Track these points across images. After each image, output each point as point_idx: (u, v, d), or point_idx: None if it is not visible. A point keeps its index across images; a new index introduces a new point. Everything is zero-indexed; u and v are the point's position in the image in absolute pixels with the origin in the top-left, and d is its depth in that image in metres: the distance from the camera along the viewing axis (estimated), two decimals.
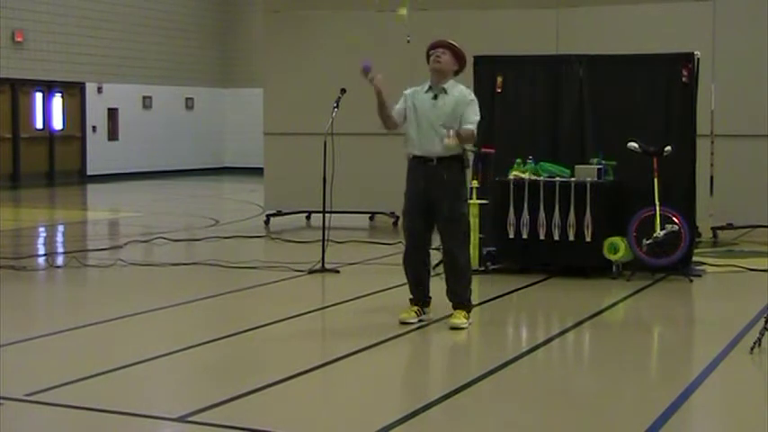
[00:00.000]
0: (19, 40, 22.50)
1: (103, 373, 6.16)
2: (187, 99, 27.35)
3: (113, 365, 6.32)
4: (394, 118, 7.61)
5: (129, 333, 7.54)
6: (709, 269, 10.28)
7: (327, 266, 9.94)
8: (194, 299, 8.75)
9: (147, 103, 26.09)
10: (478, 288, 8.89)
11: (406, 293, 7.78)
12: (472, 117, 7.50)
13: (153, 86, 26.09)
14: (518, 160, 10.02)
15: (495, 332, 7.83)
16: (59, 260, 11.01)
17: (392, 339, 7.21)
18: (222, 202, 20.78)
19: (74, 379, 6.00)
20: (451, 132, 7.37)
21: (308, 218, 14.53)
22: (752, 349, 6.66)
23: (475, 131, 7.54)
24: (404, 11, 7.60)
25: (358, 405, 5.75)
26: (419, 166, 7.56)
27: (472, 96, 7.63)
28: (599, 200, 9.70)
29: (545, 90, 10.41)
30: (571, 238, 9.72)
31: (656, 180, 9.57)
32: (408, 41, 13.15)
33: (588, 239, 9.69)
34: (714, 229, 12.59)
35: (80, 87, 24.38)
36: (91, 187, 23.13)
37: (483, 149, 9.89)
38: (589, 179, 9.73)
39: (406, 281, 7.76)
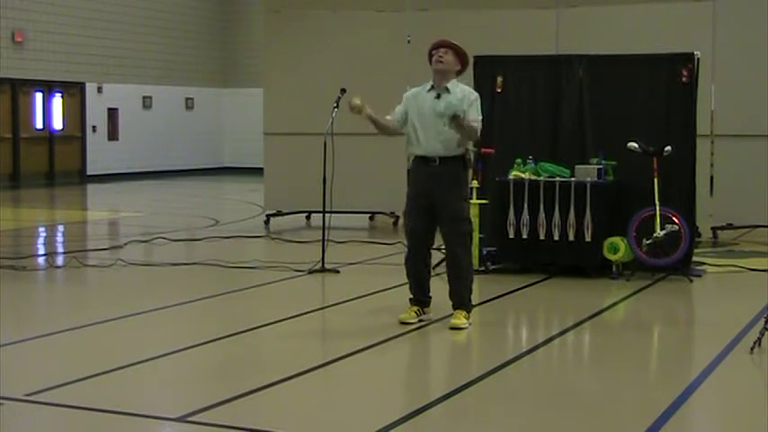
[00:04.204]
0: (19, 40, 22.50)
1: (103, 373, 6.16)
2: (187, 99, 27.36)
3: (113, 365, 6.32)
4: (393, 128, 7.62)
5: (129, 333, 7.54)
6: (710, 269, 10.28)
7: (327, 266, 9.94)
8: (194, 299, 8.75)
9: (147, 103, 26.09)
10: (478, 288, 8.88)
11: (406, 293, 7.78)
12: (476, 116, 7.50)
13: (153, 86, 26.10)
14: (518, 160, 10.02)
15: (495, 332, 7.83)
16: (59, 260, 11.00)
17: (392, 339, 7.20)
18: (222, 202, 20.78)
19: (74, 379, 6.00)
20: (459, 112, 7.31)
21: (307, 218, 14.54)
22: (752, 349, 6.66)
23: (477, 130, 7.54)
24: None
25: (358, 405, 5.74)
26: (422, 166, 7.56)
27: (475, 95, 7.62)
28: (599, 200, 9.70)
29: (545, 90, 10.41)
30: (571, 238, 9.72)
31: (656, 180, 9.57)
32: (408, 41, 13.15)
33: (588, 239, 9.69)
34: (714, 229, 12.59)
35: (80, 87, 24.38)
36: (91, 187, 23.13)
37: (483, 150, 9.89)
38: (589, 179, 9.73)
39: (406, 281, 7.76)
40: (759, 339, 6.69)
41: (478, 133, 7.59)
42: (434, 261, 8.08)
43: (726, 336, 7.25)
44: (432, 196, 7.49)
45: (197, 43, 27.54)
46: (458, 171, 7.54)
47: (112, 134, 25.29)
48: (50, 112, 23.82)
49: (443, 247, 7.74)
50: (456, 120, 7.26)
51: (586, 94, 10.22)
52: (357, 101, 7.48)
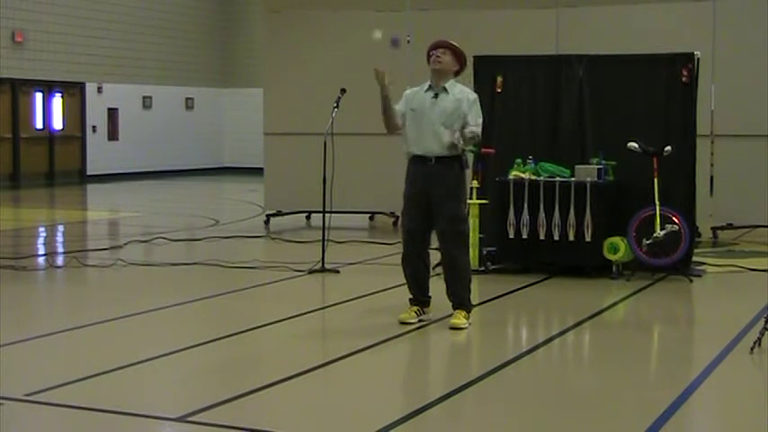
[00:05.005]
0: (19, 40, 22.49)
1: (103, 373, 6.16)
2: (187, 99, 27.35)
3: (113, 365, 6.32)
4: (396, 119, 7.60)
5: (129, 333, 7.54)
6: (710, 269, 10.28)
7: (327, 266, 9.94)
8: (194, 299, 8.75)
9: (147, 103, 26.09)
10: (478, 288, 8.89)
11: (405, 293, 7.78)
12: (476, 119, 7.50)
13: (153, 86, 26.10)
14: (518, 160, 10.02)
15: (495, 332, 7.83)
16: (59, 260, 11.00)
17: (392, 339, 7.20)
18: (222, 202, 20.78)
19: (74, 379, 6.01)
20: (456, 135, 7.37)
21: (307, 218, 14.54)
22: (752, 349, 6.66)
23: (479, 133, 7.54)
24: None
25: (358, 405, 5.74)
26: (418, 165, 7.56)
27: (474, 96, 7.63)
28: (599, 200, 9.70)
29: (545, 90, 10.41)
30: (571, 238, 9.72)
31: (656, 180, 9.57)
32: (408, 41, 13.15)
33: (588, 239, 9.68)
34: (714, 229, 12.58)
35: (80, 87, 24.38)
36: (91, 187, 23.13)
37: (483, 150, 9.89)
38: (589, 179, 9.73)
39: (405, 281, 7.76)
40: (759, 339, 6.69)
41: (480, 135, 7.60)
42: (433, 261, 8.06)
43: (726, 336, 7.25)
44: (428, 196, 7.49)
45: (197, 43, 27.53)
46: (454, 171, 7.53)
47: (112, 134, 25.28)
48: (50, 112, 23.82)
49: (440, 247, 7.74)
50: (460, 142, 7.35)
51: (586, 95, 10.21)
52: (384, 70, 7.43)
